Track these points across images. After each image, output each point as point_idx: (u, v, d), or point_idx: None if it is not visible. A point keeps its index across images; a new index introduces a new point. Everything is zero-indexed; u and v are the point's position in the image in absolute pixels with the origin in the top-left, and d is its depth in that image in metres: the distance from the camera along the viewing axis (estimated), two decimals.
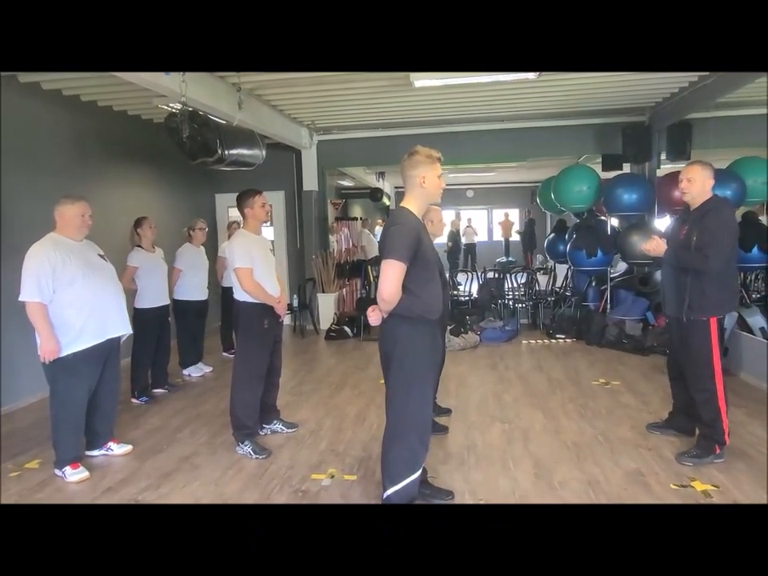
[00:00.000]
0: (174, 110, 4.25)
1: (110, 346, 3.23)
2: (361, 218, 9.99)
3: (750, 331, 4.75)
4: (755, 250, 5.41)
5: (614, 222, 7.02)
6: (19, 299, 2.96)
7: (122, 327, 3.27)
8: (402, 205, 2.38)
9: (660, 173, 6.63)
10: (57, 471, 3.11)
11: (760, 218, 6.48)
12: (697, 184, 3.02)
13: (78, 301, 3.02)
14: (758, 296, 6.30)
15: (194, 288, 5.00)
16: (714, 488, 2.77)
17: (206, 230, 5.17)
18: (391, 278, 2.20)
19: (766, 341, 4.55)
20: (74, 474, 3.07)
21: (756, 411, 3.80)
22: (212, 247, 6.67)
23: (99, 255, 3.27)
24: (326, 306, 7.32)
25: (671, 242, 3.14)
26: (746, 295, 5.73)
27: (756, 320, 4.84)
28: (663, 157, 6.42)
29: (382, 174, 11.50)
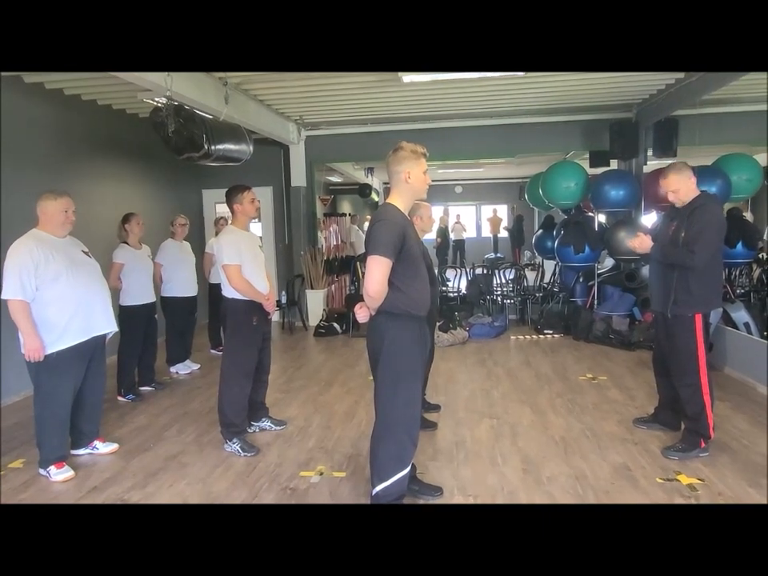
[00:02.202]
0: (159, 105, 4.19)
1: (95, 344, 3.19)
2: (350, 214, 9.97)
3: (735, 326, 4.81)
4: (739, 245, 5.48)
5: (601, 218, 7.07)
6: (1, 297, 2.91)
7: (107, 325, 3.22)
8: (387, 201, 2.37)
9: (647, 169, 6.68)
10: (41, 471, 3.07)
11: (744, 214, 6.56)
12: (682, 192, 3.06)
13: (61, 298, 2.97)
14: (743, 291, 6.38)
15: (181, 284, 4.95)
16: (699, 481, 2.80)
17: (187, 224, 5.11)
18: (376, 274, 2.19)
19: (752, 336, 4.61)
20: (58, 474, 3.03)
21: (740, 405, 3.86)
22: (199, 243, 6.62)
23: (83, 252, 3.22)
24: (315, 303, 7.30)
25: (659, 238, 3.17)
26: (730, 291, 5.80)
27: (740, 315, 4.89)
28: (650, 153, 6.46)
29: (370, 170, 11.48)
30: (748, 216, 6.84)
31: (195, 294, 5.12)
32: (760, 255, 6.29)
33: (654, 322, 3.45)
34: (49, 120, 4.93)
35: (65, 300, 2.99)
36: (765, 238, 6.53)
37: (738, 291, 6.28)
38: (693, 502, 2.62)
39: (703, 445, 3.07)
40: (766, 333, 4.79)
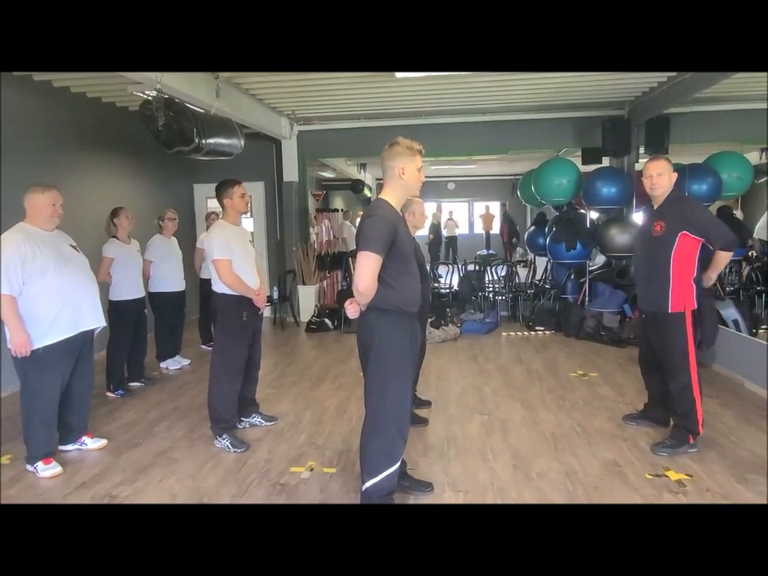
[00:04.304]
0: (149, 98, 4.15)
1: (84, 339, 3.16)
2: (342, 210, 9.94)
3: (724, 323, 4.84)
4: None
5: (593, 215, 7.09)
6: None
7: (95, 320, 3.19)
8: (380, 196, 2.36)
9: (639, 167, 6.69)
10: (28, 467, 3.04)
11: (735, 212, 6.61)
12: (664, 178, 3.05)
13: (49, 293, 2.94)
14: (732, 289, 6.43)
15: (169, 279, 4.91)
16: (687, 477, 2.82)
17: (176, 219, 5.06)
18: (366, 269, 2.18)
19: (741, 334, 4.65)
20: (46, 470, 3.00)
21: (728, 402, 3.89)
22: (190, 238, 6.57)
23: (71, 246, 3.18)
24: (307, 299, 7.28)
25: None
26: (719, 288, 5.83)
27: (729, 312, 4.93)
28: (642, 151, 6.49)
29: (363, 166, 11.45)
30: (738, 214, 6.88)
31: (183, 289, 5.09)
32: (749, 253, 6.33)
33: (640, 321, 3.45)
34: (37, 113, 4.86)
35: (52, 294, 2.95)
36: (754, 236, 6.58)
37: (727, 289, 6.33)
38: (681, 497, 2.63)
39: (692, 441, 3.09)
40: (754, 330, 4.83)
